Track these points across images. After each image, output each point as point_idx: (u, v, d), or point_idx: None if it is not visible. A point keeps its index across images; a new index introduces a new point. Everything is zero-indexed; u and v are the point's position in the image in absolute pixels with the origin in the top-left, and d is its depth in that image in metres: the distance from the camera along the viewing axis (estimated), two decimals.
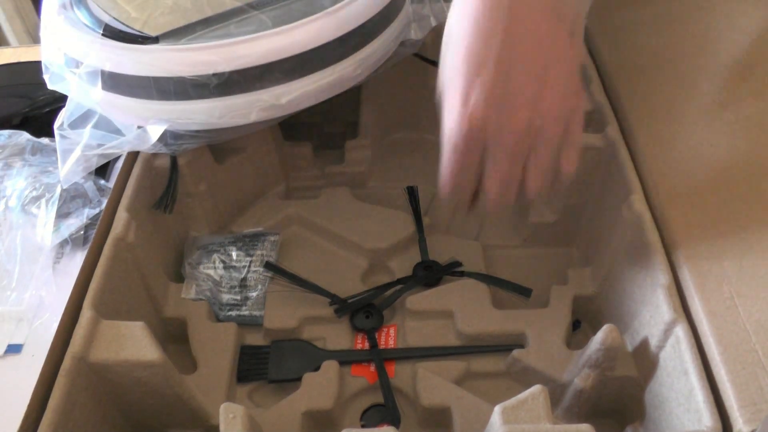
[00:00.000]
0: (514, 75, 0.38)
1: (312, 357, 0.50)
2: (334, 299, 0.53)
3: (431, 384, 0.48)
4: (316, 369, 0.49)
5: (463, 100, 0.39)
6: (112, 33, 0.46)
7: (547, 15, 0.39)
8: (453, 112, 0.39)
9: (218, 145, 0.56)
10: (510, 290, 0.54)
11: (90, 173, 0.55)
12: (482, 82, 0.38)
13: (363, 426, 0.48)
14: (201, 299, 0.53)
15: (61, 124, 0.50)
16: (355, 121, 0.65)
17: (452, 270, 0.55)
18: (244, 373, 0.50)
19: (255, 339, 0.53)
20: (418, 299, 0.53)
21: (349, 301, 0.53)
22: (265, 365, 0.51)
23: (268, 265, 0.54)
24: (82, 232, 0.59)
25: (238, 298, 0.53)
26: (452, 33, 0.40)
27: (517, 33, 0.38)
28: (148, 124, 0.49)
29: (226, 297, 0.53)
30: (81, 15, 0.49)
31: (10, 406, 0.50)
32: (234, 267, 0.54)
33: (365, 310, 0.53)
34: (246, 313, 0.53)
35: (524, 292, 0.54)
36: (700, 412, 0.36)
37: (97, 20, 0.48)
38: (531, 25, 0.38)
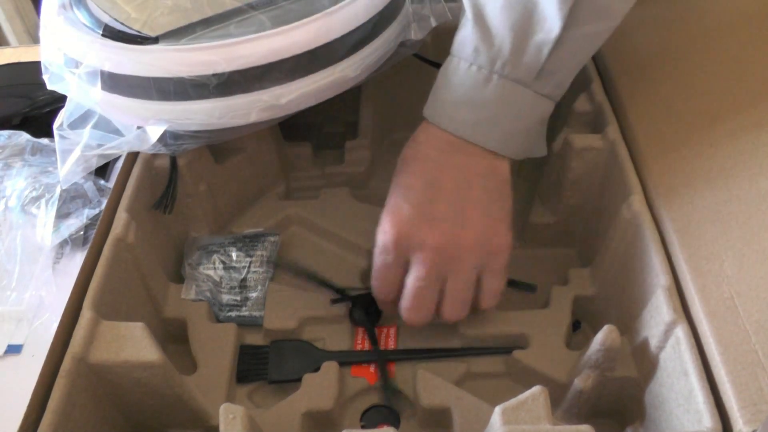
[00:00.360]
0: (438, 204, 0.46)
1: (312, 357, 0.50)
2: (340, 295, 0.53)
3: (431, 384, 0.48)
4: (316, 369, 0.49)
5: (395, 212, 0.46)
6: (111, 33, 0.46)
7: (471, 174, 0.46)
8: (385, 220, 0.46)
9: (218, 146, 0.56)
10: (514, 288, 0.53)
11: (90, 173, 0.55)
12: (412, 202, 0.46)
13: (363, 427, 0.48)
14: (201, 300, 0.53)
15: (61, 125, 0.50)
16: (355, 121, 0.65)
17: None
18: (243, 373, 0.50)
19: (255, 339, 0.53)
20: None
21: (352, 293, 0.54)
22: (264, 366, 0.51)
23: (284, 266, 0.55)
24: (82, 233, 0.59)
25: (238, 298, 0.53)
26: (398, 171, 0.48)
27: (443, 179, 0.46)
28: (147, 125, 0.49)
29: (226, 297, 0.53)
30: (81, 15, 0.49)
31: (10, 406, 0.50)
32: (234, 267, 0.54)
33: (365, 304, 0.53)
34: (246, 313, 0.53)
35: (529, 288, 0.53)
36: (700, 413, 0.36)
37: (97, 20, 0.48)
38: (454, 176, 0.46)
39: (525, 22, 0.44)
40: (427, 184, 0.46)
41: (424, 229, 0.45)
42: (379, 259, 0.48)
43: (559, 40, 0.44)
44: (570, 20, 0.43)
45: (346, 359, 0.50)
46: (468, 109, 0.46)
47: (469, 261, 0.46)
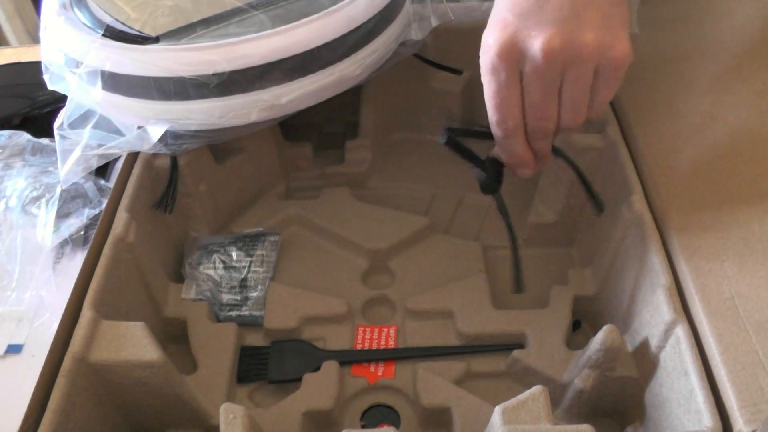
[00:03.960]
0: (549, 5, 0.39)
1: (312, 357, 0.50)
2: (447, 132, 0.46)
3: (431, 384, 0.48)
4: (317, 369, 0.49)
5: (497, 23, 0.40)
6: (112, 33, 0.46)
7: None
8: (487, 35, 0.40)
9: (218, 145, 0.56)
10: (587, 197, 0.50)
11: (90, 173, 0.55)
12: (517, 10, 0.40)
13: (363, 426, 0.48)
14: (201, 299, 0.53)
15: (61, 125, 0.50)
16: (355, 121, 0.65)
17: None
18: (244, 373, 0.50)
19: (255, 339, 0.53)
20: (418, 299, 0.53)
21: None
22: (265, 366, 0.51)
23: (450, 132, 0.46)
24: (82, 233, 0.59)
25: (238, 298, 0.53)
26: None
27: None
28: (148, 124, 0.49)
29: (226, 297, 0.53)
30: (81, 15, 0.49)
31: (10, 406, 0.50)
32: (234, 267, 0.54)
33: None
34: (246, 313, 0.53)
35: (597, 205, 0.50)
36: (701, 413, 0.36)
37: (97, 20, 0.48)
38: None
39: None
40: None
41: (536, 33, 0.39)
42: (490, 83, 0.41)
43: None
44: None
45: (347, 359, 0.50)
46: None
47: (588, 65, 0.40)
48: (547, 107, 0.42)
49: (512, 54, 0.40)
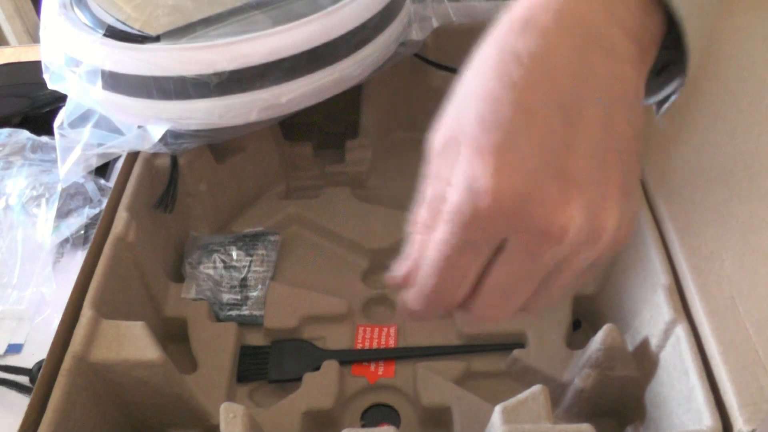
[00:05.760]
0: (578, 150, 0.26)
1: (312, 357, 0.50)
2: None
3: (431, 384, 0.48)
4: (317, 369, 0.49)
5: (503, 147, 0.26)
6: (113, 32, 0.46)
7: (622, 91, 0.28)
8: (480, 158, 0.27)
9: (218, 145, 0.56)
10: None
11: (90, 173, 0.55)
12: (538, 138, 0.26)
13: (363, 426, 0.48)
14: (201, 299, 0.53)
15: (61, 124, 0.50)
16: (355, 121, 0.65)
17: None
18: (243, 373, 0.50)
19: (255, 339, 0.53)
20: None
21: None
22: (265, 365, 0.51)
23: None
24: (82, 232, 0.59)
25: (239, 297, 0.53)
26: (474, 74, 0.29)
27: (583, 101, 0.26)
28: (148, 124, 0.49)
29: (226, 297, 0.53)
30: (81, 15, 0.49)
31: (10, 405, 0.50)
32: (234, 267, 0.54)
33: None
34: (246, 312, 0.53)
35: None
36: (701, 412, 0.36)
37: (98, 20, 0.48)
38: (596, 97, 0.26)
39: None
40: (561, 107, 0.26)
41: (551, 201, 0.26)
42: (453, 232, 0.28)
43: None
44: None
45: (347, 358, 0.50)
46: None
47: (595, 251, 0.28)
48: (525, 289, 0.30)
49: (513, 217, 0.27)
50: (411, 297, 0.32)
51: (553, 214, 0.26)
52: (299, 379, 0.48)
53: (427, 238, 0.30)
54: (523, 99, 0.26)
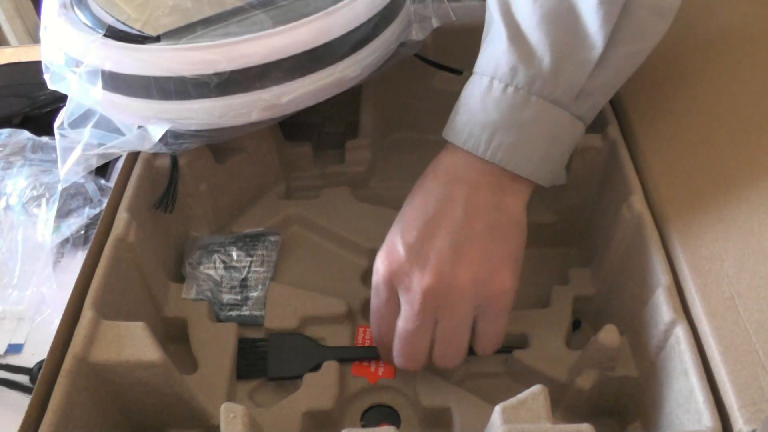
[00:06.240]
0: (434, 241, 0.43)
1: (312, 354, 0.50)
2: None
3: (431, 384, 0.48)
4: (317, 367, 0.49)
5: (390, 250, 0.44)
6: (113, 33, 0.46)
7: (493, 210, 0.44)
8: (379, 258, 0.45)
9: (218, 145, 0.56)
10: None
11: (90, 173, 0.55)
12: (408, 240, 0.44)
13: (363, 426, 0.48)
14: (201, 299, 0.53)
15: (62, 124, 0.50)
16: (355, 121, 0.65)
17: None
18: (243, 369, 0.50)
19: None
20: None
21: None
22: (264, 361, 0.50)
23: None
24: (82, 232, 0.60)
25: (239, 298, 0.53)
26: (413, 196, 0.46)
27: (445, 213, 0.44)
28: (148, 124, 0.49)
29: (226, 297, 0.53)
30: (81, 15, 0.49)
31: (10, 405, 0.50)
32: (234, 267, 0.54)
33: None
34: (246, 313, 0.53)
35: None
36: (700, 413, 0.36)
37: (98, 20, 0.48)
38: (456, 211, 0.44)
39: (567, 40, 0.42)
40: (426, 219, 0.44)
41: (414, 269, 0.42)
42: (373, 299, 0.46)
43: (601, 60, 0.42)
44: (612, 39, 0.41)
45: (346, 355, 0.50)
46: (504, 133, 0.43)
47: (461, 304, 0.43)
48: (417, 340, 0.44)
49: (393, 284, 0.44)
50: (395, 361, 0.47)
51: (416, 282, 0.42)
52: (299, 376, 0.48)
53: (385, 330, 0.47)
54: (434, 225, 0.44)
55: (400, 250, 0.43)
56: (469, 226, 0.43)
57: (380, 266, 0.44)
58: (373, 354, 0.51)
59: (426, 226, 0.43)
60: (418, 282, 0.42)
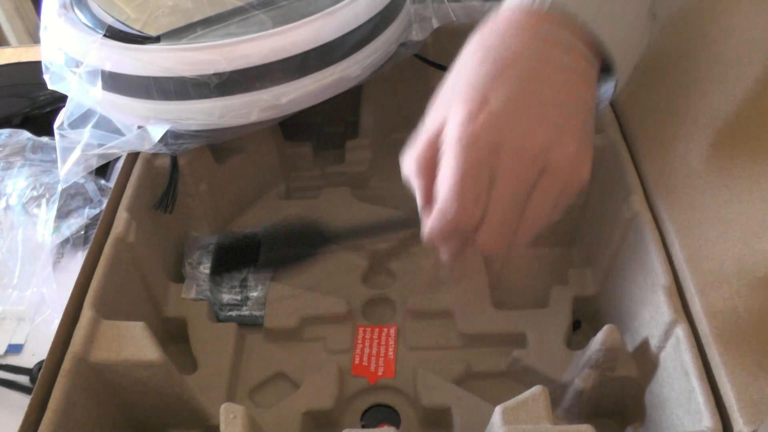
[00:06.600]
0: (543, 93, 0.36)
1: (315, 238, 0.42)
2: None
3: (431, 384, 0.48)
4: (314, 255, 0.42)
5: (478, 106, 0.35)
6: (113, 33, 0.46)
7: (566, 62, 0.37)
8: (463, 100, 0.36)
9: (218, 145, 0.56)
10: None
11: (90, 173, 0.55)
12: (511, 87, 0.35)
13: (363, 426, 0.48)
14: (201, 299, 0.53)
15: (61, 124, 0.50)
16: (355, 121, 0.65)
17: None
18: (222, 264, 0.44)
19: (255, 339, 0.53)
20: (419, 299, 0.53)
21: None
22: (253, 252, 0.43)
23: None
24: (82, 232, 0.59)
25: (239, 298, 0.53)
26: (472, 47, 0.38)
27: (544, 60, 0.36)
28: (148, 124, 0.49)
29: (226, 297, 0.53)
30: (81, 15, 0.49)
31: (10, 405, 0.50)
32: None
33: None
34: (246, 313, 0.53)
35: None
36: (701, 413, 0.36)
37: (98, 20, 0.48)
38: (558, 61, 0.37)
39: None
40: (529, 73, 0.36)
41: (531, 121, 0.35)
42: (465, 158, 0.34)
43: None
44: None
45: (351, 237, 0.44)
46: None
47: (561, 180, 0.37)
48: (513, 212, 0.36)
49: (496, 139, 0.35)
50: (434, 220, 0.37)
51: (525, 136, 0.35)
52: (297, 262, 0.42)
53: (431, 173, 0.38)
54: (496, 70, 0.36)
55: (499, 106, 0.35)
56: (571, 90, 0.37)
57: (480, 117, 0.35)
58: (380, 229, 0.45)
59: (529, 80, 0.36)
60: (532, 140, 0.35)
